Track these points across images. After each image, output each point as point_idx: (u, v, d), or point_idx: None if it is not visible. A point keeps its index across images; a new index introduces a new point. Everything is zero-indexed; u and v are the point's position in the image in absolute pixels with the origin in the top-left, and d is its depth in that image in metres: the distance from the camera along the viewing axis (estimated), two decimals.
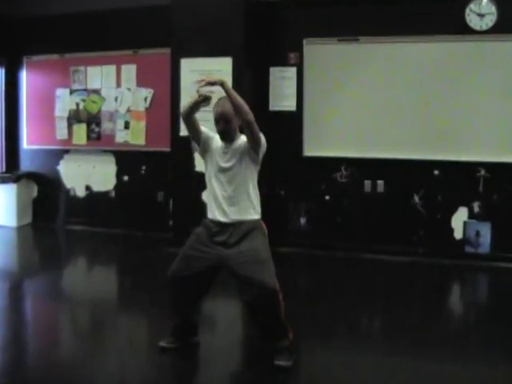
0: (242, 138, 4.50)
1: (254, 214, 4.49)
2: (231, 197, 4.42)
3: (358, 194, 7.95)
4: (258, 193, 4.55)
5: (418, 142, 7.61)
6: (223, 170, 4.45)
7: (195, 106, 4.41)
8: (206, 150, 4.57)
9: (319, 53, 7.95)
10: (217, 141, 4.55)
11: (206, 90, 4.41)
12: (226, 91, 4.27)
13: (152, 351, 4.70)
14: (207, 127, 4.61)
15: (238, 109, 4.28)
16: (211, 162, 4.53)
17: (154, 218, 9.07)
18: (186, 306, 4.62)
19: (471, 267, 7.39)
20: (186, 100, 7.60)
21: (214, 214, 4.47)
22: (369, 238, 7.93)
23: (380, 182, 7.84)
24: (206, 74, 4.76)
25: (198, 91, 4.40)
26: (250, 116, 4.28)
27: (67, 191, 9.73)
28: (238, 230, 4.38)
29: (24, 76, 9.88)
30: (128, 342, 5.08)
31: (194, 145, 4.65)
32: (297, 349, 4.54)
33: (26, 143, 9.95)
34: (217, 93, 4.45)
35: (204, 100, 4.37)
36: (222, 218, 4.42)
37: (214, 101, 4.47)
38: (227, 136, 4.46)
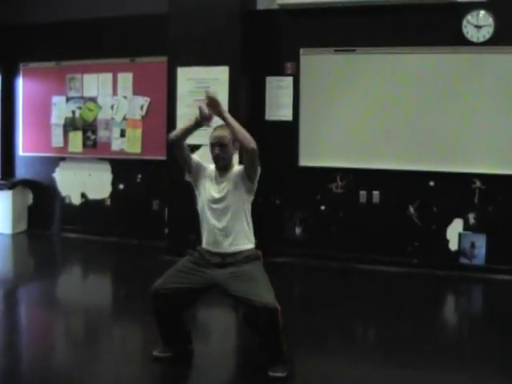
0: (237, 168, 4.48)
1: (249, 243, 4.48)
2: (226, 228, 4.40)
3: (353, 204, 7.95)
4: (251, 222, 4.53)
5: (414, 153, 7.62)
6: (217, 201, 4.42)
7: (190, 129, 4.37)
8: (197, 179, 4.55)
9: (316, 63, 7.96)
10: (210, 170, 4.52)
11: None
12: (226, 120, 4.27)
13: (146, 360, 4.69)
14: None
15: (240, 136, 4.23)
16: (204, 191, 4.50)
17: (149, 226, 9.06)
18: (168, 321, 4.55)
19: (466, 278, 7.39)
20: (182, 109, 7.70)
21: (208, 244, 4.47)
22: (364, 249, 7.92)
23: (375, 193, 7.84)
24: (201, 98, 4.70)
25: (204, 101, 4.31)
26: (253, 144, 4.22)
27: (63, 199, 9.71)
28: (233, 259, 4.37)
29: (20, 83, 9.86)
30: (122, 351, 5.07)
31: (187, 174, 4.62)
32: (291, 358, 4.53)
33: (21, 150, 9.93)
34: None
35: (203, 118, 4.33)
36: (216, 249, 4.42)
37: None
38: (222, 162, 4.42)
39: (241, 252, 4.40)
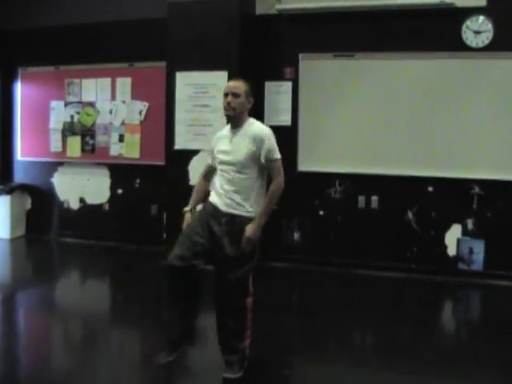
0: (255, 131, 4.45)
1: (250, 209, 4.39)
2: (232, 189, 4.36)
3: (351, 209, 7.95)
4: (262, 187, 4.54)
5: (413, 159, 7.62)
6: (228, 162, 4.39)
7: None
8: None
9: (315, 68, 7.96)
10: (223, 134, 4.53)
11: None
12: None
13: (144, 365, 4.68)
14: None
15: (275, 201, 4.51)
16: (216, 150, 4.50)
17: (147, 231, 9.05)
18: (186, 295, 4.46)
19: (464, 284, 7.38)
20: (181, 113, 7.71)
21: (214, 197, 4.46)
22: (362, 254, 7.91)
23: (374, 198, 7.84)
24: None
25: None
26: (281, 186, 4.65)
27: (61, 203, 9.70)
28: (230, 224, 4.33)
29: (19, 88, 9.86)
30: (120, 356, 5.06)
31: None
32: (290, 363, 4.53)
33: (20, 155, 9.92)
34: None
35: None
36: (220, 206, 4.38)
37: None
38: (232, 112, 4.38)
39: (239, 217, 4.35)
